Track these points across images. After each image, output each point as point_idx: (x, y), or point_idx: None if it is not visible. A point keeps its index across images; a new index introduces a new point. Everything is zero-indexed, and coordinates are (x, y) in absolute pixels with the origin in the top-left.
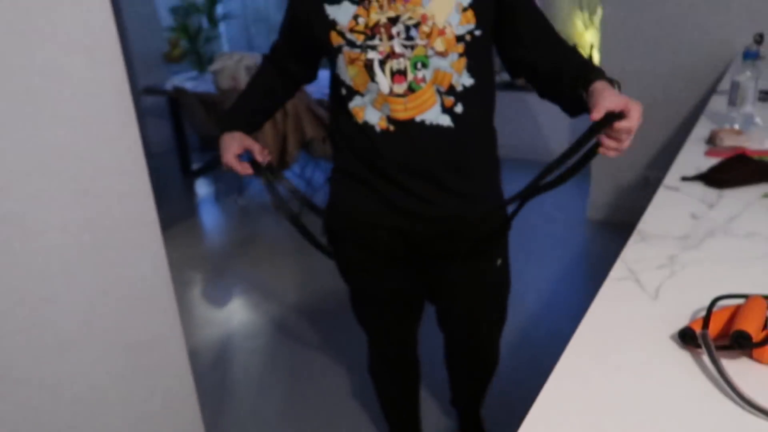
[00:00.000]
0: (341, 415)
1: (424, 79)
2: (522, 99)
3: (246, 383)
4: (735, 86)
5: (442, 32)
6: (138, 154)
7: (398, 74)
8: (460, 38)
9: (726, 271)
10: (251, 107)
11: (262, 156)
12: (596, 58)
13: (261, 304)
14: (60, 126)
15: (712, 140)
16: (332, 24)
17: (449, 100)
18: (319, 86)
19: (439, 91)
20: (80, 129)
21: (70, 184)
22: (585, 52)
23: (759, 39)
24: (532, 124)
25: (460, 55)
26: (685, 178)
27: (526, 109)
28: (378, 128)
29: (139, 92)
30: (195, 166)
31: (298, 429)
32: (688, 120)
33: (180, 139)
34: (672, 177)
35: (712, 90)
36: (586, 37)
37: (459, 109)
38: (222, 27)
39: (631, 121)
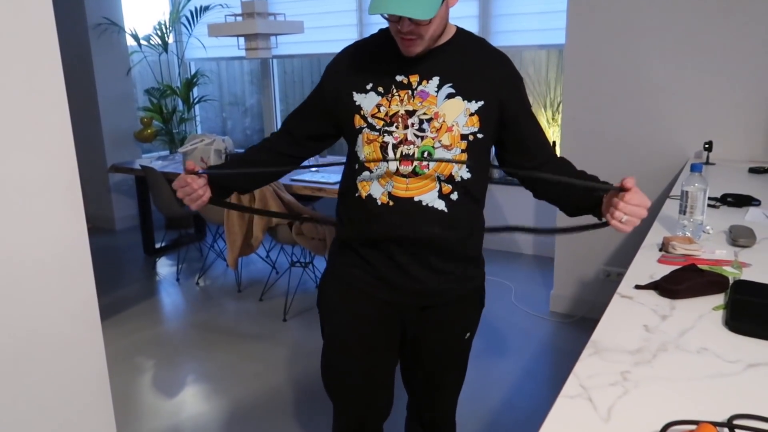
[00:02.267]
0: None
1: (428, 166)
2: (489, 190)
3: None
4: (684, 195)
5: (449, 129)
6: (83, 247)
7: (406, 158)
8: (464, 137)
9: (678, 390)
10: (229, 168)
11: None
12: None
13: (213, 395)
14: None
15: (664, 247)
16: (358, 109)
17: (447, 187)
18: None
19: (439, 179)
20: (28, 219)
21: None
22: None
23: (708, 147)
24: (497, 215)
25: (462, 150)
26: (638, 287)
27: (491, 200)
28: (379, 201)
29: (107, 169)
30: (159, 244)
31: None
32: (644, 225)
33: (145, 217)
34: (626, 285)
35: (666, 194)
36: (549, 135)
37: (454, 196)
38: (197, 109)
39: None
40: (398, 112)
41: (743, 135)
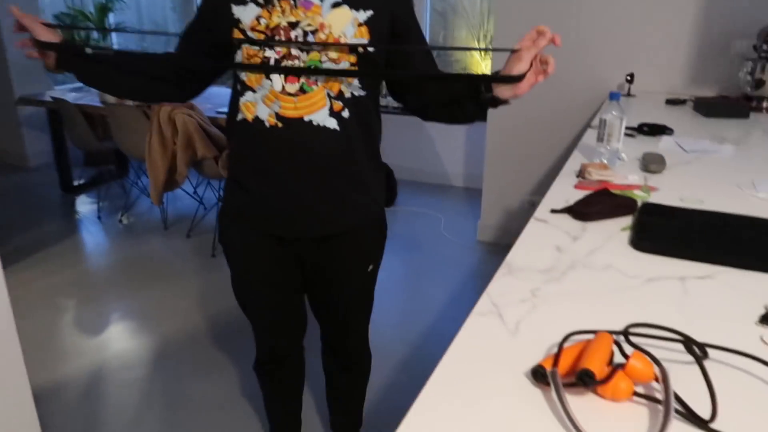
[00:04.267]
0: None
1: (315, 83)
2: (419, 124)
3: (119, 417)
4: (603, 123)
5: (336, 41)
6: None
7: (290, 73)
8: (352, 49)
9: (582, 304)
10: (109, 66)
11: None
12: None
13: (139, 332)
14: None
15: (581, 174)
16: (236, 22)
17: (338, 104)
18: (213, 104)
19: (329, 96)
20: None
21: None
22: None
23: (630, 78)
24: (429, 149)
25: (352, 65)
26: (553, 211)
27: (423, 133)
28: (267, 123)
29: (15, 101)
30: (77, 181)
31: None
32: (567, 151)
33: (60, 153)
34: (542, 209)
35: (587, 124)
36: (482, 67)
37: (346, 114)
38: (113, 38)
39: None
40: (280, 24)
41: (663, 69)
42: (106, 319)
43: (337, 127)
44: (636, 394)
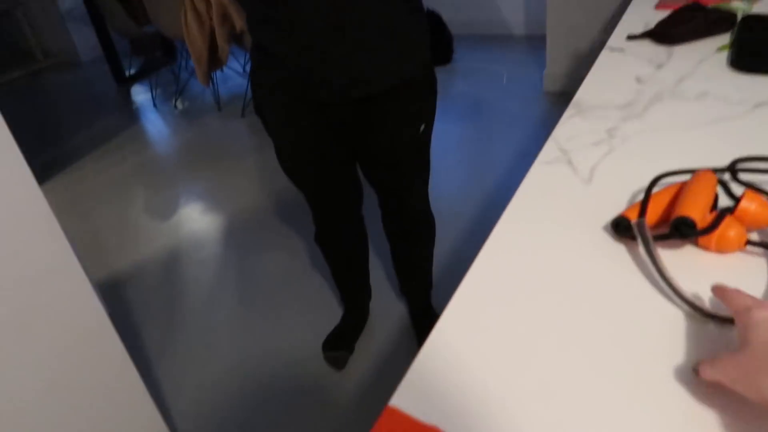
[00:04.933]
0: (294, 311)
1: None
2: None
3: (196, 292)
4: None
5: None
6: None
7: None
8: None
9: (672, 141)
10: None
11: None
12: None
13: (207, 212)
14: None
15: None
16: None
17: None
18: None
19: None
20: None
21: None
22: None
23: None
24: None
25: None
26: (630, 37)
27: None
28: None
29: None
30: (129, 72)
31: (251, 334)
32: None
33: (108, 46)
34: (617, 37)
35: None
36: None
37: None
38: None
39: None
40: None
41: None
42: (174, 202)
43: None
44: (749, 242)
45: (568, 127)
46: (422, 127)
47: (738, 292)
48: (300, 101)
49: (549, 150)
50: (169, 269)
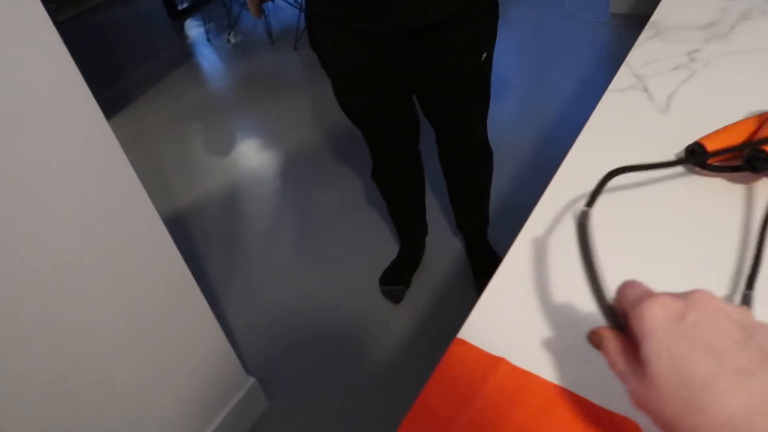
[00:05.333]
0: (352, 245)
1: None
2: None
3: (257, 227)
4: None
5: None
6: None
7: None
8: None
9: (762, 66)
10: None
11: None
12: None
13: (264, 147)
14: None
15: None
16: None
17: None
18: None
19: None
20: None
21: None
22: None
23: None
24: None
25: None
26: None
27: None
28: None
29: None
30: (181, 5)
31: (310, 269)
32: None
33: None
34: None
35: None
36: None
37: None
38: None
39: None
40: None
41: None
42: (232, 137)
43: None
44: None
45: (644, 51)
46: (484, 56)
47: (631, 284)
48: (356, 32)
49: (622, 76)
50: (229, 204)
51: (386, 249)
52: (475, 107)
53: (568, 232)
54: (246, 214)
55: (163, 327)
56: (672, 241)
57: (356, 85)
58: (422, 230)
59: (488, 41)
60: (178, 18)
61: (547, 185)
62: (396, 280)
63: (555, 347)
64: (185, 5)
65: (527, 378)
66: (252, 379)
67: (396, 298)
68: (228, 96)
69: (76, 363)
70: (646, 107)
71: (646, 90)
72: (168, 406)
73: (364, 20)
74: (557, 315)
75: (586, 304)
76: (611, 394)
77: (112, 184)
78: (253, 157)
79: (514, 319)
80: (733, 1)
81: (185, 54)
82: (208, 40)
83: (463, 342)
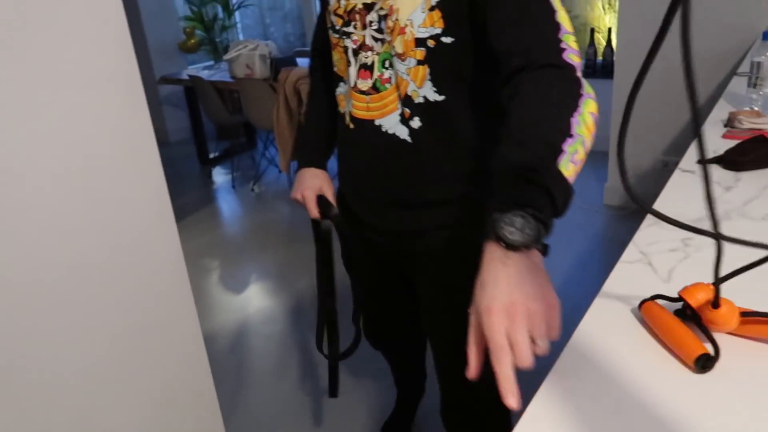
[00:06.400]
0: (357, 396)
1: (390, 81)
2: None
3: (262, 367)
4: (755, 67)
5: (402, 31)
6: (151, 147)
7: (364, 69)
8: (420, 42)
9: (741, 254)
10: (325, 135)
11: (334, 200)
12: (614, 42)
13: (276, 291)
14: (69, 120)
15: (730, 122)
16: (326, 4)
17: (407, 111)
18: None
19: (400, 98)
20: (91, 122)
21: (80, 180)
22: (603, 36)
23: None
24: None
25: (419, 62)
26: (700, 161)
27: None
28: (347, 123)
29: (156, 82)
30: (212, 154)
31: (314, 411)
32: (708, 103)
33: (197, 128)
34: (688, 160)
35: (732, 73)
36: (605, 21)
37: (416, 123)
38: (237, 16)
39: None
40: (356, 6)
41: None
42: (245, 278)
43: (408, 138)
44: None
45: (647, 234)
46: (456, 297)
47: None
48: (359, 237)
49: (630, 252)
50: (239, 339)
51: (389, 397)
52: (442, 354)
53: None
54: (254, 349)
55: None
56: None
57: (365, 289)
58: (420, 379)
59: (458, 281)
60: (208, 164)
61: (556, 347)
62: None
63: None
64: (216, 154)
65: None
66: None
67: None
68: (245, 240)
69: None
70: (652, 277)
71: (650, 264)
72: None
73: (365, 228)
74: (592, 416)
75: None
76: None
77: (171, 292)
78: (264, 298)
79: (556, 422)
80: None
81: (210, 197)
82: (233, 187)
83: None
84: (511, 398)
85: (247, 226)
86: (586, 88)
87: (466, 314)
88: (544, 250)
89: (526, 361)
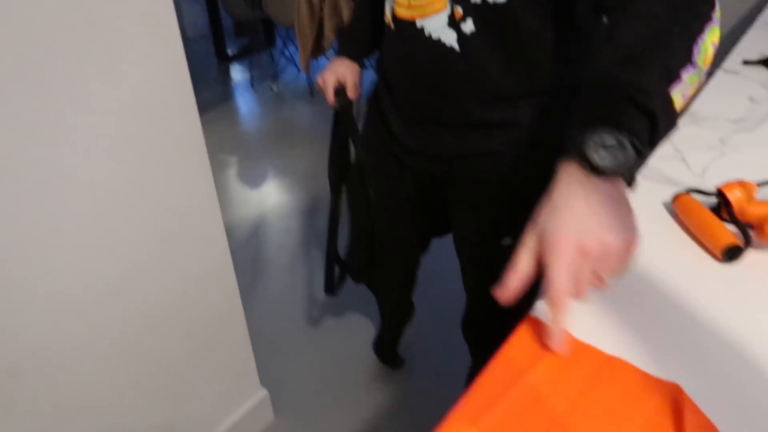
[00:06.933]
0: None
1: None
2: None
3: (279, 259)
4: None
5: None
6: (176, 39)
7: None
8: None
9: None
10: (370, 27)
11: (354, 92)
12: None
13: (293, 188)
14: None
15: None
16: None
17: (458, 10)
18: None
19: None
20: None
21: (102, 68)
22: None
23: None
24: None
25: None
26: (746, 62)
27: None
28: (388, 23)
29: None
30: (230, 51)
31: (323, 303)
32: (758, 5)
33: (215, 24)
34: (732, 60)
35: None
36: None
37: (468, 27)
38: None
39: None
40: None
41: None
42: (263, 175)
43: (456, 46)
44: None
45: (684, 132)
46: (505, 240)
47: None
48: (386, 151)
49: (666, 149)
50: (256, 231)
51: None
52: (479, 291)
53: None
54: (271, 241)
55: (199, 311)
56: None
57: (379, 212)
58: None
59: (516, 223)
60: (226, 61)
61: None
62: (386, 357)
63: (608, 323)
64: (234, 52)
65: (585, 349)
66: (264, 391)
67: (395, 365)
68: (264, 138)
69: (113, 327)
70: (686, 174)
71: (684, 160)
72: (185, 390)
73: (396, 147)
74: (617, 297)
75: (633, 289)
76: (657, 363)
77: (193, 180)
78: (282, 194)
79: (580, 301)
80: (758, 105)
81: (228, 95)
82: (252, 85)
83: (534, 319)
84: (558, 345)
85: (265, 124)
86: (719, 12)
87: (503, 247)
88: (631, 182)
89: (582, 298)
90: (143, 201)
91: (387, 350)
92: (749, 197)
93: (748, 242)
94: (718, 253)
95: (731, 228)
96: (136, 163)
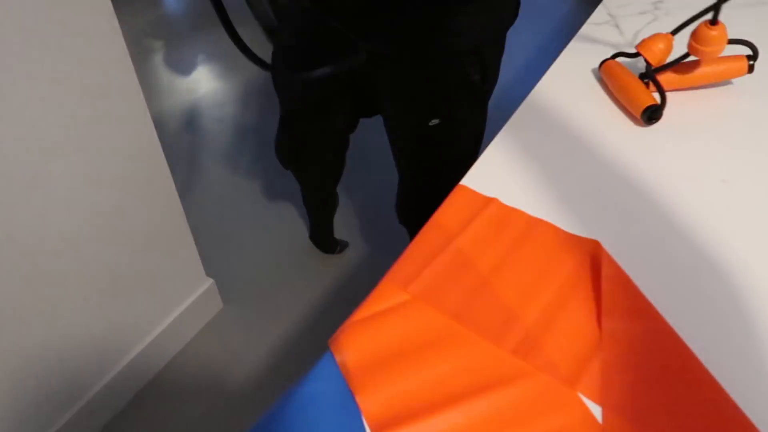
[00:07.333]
0: None
1: None
2: None
3: (215, 149)
4: None
5: None
6: None
7: None
8: None
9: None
10: None
11: None
12: None
13: (226, 74)
14: None
15: None
16: None
17: None
18: None
19: None
20: None
21: None
22: None
23: None
24: None
25: None
26: None
27: None
28: None
29: None
30: None
31: (266, 186)
32: None
33: None
34: None
35: None
36: None
37: None
38: None
39: None
40: None
41: None
42: (192, 60)
43: None
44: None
45: None
46: (433, 122)
47: None
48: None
49: (599, 14)
50: (190, 121)
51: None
52: (412, 172)
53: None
54: (207, 131)
55: (135, 209)
56: None
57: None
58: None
59: (450, 104)
60: None
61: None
62: (324, 246)
63: (535, 188)
64: None
65: (512, 212)
66: (210, 280)
67: (331, 251)
68: (191, 19)
69: (53, 227)
70: (617, 38)
71: (617, 26)
72: (131, 288)
73: None
74: (543, 163)
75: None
76: (578, 223)
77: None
78: (214, 80)
79: (508, 168)
80: None
81: None
82: None
83: (464, 187)
84: None
85: (193, 4)
86: None
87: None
88: None
89: None
90: (55, 88)
91: (323, 239)
92: (668, 47)
93: (663, 100)
94: (638, 116)
95: (656, 95)
96: (35, 41)
